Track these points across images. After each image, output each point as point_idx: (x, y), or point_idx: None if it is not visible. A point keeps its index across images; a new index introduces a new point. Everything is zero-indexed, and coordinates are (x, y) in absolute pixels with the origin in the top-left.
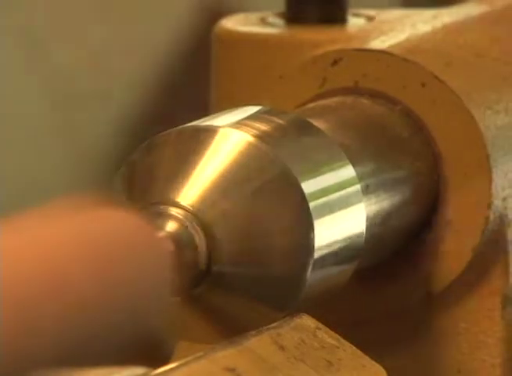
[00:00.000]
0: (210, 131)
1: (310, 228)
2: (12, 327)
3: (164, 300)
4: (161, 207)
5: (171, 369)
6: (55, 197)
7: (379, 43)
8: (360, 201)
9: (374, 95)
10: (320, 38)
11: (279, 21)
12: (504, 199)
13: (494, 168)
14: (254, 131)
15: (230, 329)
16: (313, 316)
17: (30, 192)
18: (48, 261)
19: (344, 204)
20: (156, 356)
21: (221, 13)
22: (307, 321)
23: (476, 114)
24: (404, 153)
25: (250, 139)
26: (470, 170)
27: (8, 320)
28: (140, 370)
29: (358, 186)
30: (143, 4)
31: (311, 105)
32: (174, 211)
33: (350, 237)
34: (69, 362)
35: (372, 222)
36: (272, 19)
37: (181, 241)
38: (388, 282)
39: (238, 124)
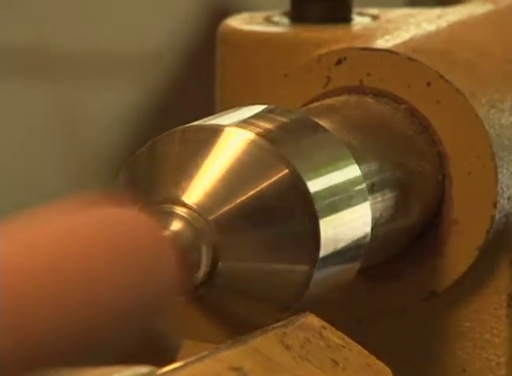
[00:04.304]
0: (216, 131)
1: (315, 227)
2: (12, 327)
3: (168, 299)
4: (166, 205)
5: (176, 368)
6: (60, 197)
7: (383, 42)
8: (365, 200)
9: (379, 94)
10: (325, 37)
11: (284, 20)
12: (510, 198)
13: (499, 167)
14: (259, 130)
15: (235, 328)
16: (317, 314)
17: (34, 192)
18: (51, 260)
19: (350, 203)
20: (161, 355)
21: (227, 12)
22: (312, 320)
23: (481, 113)
24: (409, 152)
25: (256, 138)
26: (475, 169)
27: (8, 319)
28: (145, 369)
29: (363, 185)
30: (149, 3)
31: (315, 104)
32: (179, 209)
33: (355, 236)
34: (71, 361)
35: (377, 221)
36: (276, 18)
37: (186, 240)
38: (393, 281)
39: (243, 123)
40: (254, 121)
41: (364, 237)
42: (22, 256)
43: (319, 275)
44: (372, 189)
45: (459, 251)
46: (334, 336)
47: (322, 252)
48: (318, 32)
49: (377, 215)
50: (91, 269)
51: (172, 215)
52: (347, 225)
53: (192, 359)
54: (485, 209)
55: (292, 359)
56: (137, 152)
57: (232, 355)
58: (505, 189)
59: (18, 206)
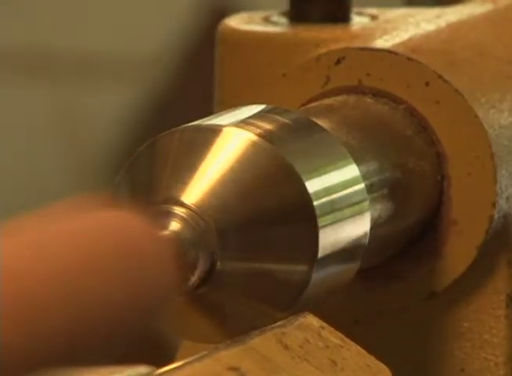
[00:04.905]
0: (214, 131)
1: (314, 227)
2: (12, 327)
3: (167, 300)
4: (165, 206)
5: (175, 368)
6: (60, 197)
7: (382, 42)
8: (364, 200)
9: (378, 94)
10: (324, 37)
11: (283, 20)
12: (508, 198)
13: (498, 166)
14: (258, 130)
15: (234, 328)
16: (316, 315)
17: (34, 192)
18: (50, 260)
19: (349, 203)
20: (159, 355)
21: (225, 12)
22: (311, 320)
23: (480, 113)
24: (408, 152)
25: (254, 138)
26: (474, 169)
27: (9, 319)
28: (144, 369)
29: (362, 185)
30: (148, 3)
31: (314, 104)
32: (178, 210)
33: (354, 236)
34: (70, 361)
35: (376, 222)
36: (275, 18)
37: (185, 241)
38: (392, 281)
39: (242, 123)
40: (252, 120)
41: (363, 237)
42: (22, 256)
43: (318, 275)
44: (371, 189)
45: (458, 252)
46: (333, 336)
47: (321, 252)
48: (317, 32)
49: (376, 215)
50: (90, 268)
51: (171, 215)
52: (346, 226)
53: (190, 359)
54: (484, 209)
55: (291, 360)
56: (136, 152)
57: (231, 355)
58: (504, 190)
59: (18, 206)
